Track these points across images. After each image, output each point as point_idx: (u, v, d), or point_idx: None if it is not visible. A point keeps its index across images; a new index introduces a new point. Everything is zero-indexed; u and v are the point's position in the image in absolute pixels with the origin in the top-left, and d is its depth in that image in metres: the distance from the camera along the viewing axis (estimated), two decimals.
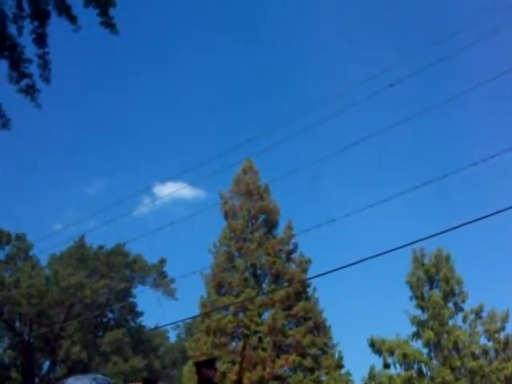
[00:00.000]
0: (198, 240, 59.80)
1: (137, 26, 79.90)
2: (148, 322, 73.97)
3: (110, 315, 54.86)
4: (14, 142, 72.83)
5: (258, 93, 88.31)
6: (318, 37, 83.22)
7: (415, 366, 32.65)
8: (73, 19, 10.67)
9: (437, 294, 33.54)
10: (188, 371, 32.68)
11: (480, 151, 70.10)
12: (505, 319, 32.98)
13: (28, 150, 79.04)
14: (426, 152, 74.28)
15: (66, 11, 10.62)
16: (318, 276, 29.02)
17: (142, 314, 55.13)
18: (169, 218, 73.06)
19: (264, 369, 30.94)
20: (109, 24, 10.59)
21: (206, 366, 8.97)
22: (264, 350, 31.55)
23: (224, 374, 31.05)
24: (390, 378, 32.42)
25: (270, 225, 35.38)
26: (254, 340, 31.74)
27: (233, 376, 30.80)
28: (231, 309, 33.26)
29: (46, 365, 50.80)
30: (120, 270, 51.53)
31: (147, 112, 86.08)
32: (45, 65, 10.54)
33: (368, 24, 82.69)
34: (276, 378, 31.11)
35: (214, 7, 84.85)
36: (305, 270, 34.17)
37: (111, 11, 10.72)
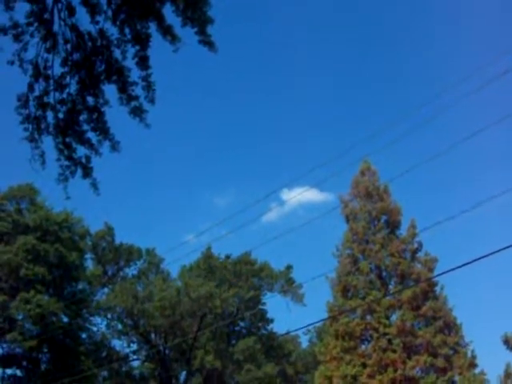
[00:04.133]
0: (324, 243, 59.78)
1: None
2: (279, 328, 74.62)
3: (241, 323, 55.91)
4: (143, 156, 75.70)
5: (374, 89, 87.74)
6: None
7: None
8: (174, 38, 10.94)
9: None
10: (319, 376, 32.72)
11: None
12: None
13: (157, 164, 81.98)
14: None
15: (167, 32, 10.92)
16: (444, 273, 28.60)
17: (272, 320, 55.95)
18: (297, 223, 73.92)
19: (395, 371, 30.53)
20: (207, 42, 10.81)
21: None
22: (394, 351, 31.16)
23: (355, 378, 30.96)
24: None
25: (393, 225, 34.93)
26: (383, 342, 31.47)
27: (364, 379, 30.74)
28: (358, 312, 33.05)
29: (183, 375, 52.24)
30: (248, 278, 52.35)
31: (271, 117, 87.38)
32: (149, 86, 10.94)
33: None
34: (408, 379, 30.62)
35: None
36: (431, 269, 33.52)
37: (209, 28, 10.97)
